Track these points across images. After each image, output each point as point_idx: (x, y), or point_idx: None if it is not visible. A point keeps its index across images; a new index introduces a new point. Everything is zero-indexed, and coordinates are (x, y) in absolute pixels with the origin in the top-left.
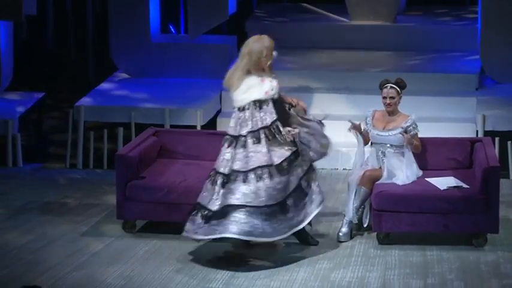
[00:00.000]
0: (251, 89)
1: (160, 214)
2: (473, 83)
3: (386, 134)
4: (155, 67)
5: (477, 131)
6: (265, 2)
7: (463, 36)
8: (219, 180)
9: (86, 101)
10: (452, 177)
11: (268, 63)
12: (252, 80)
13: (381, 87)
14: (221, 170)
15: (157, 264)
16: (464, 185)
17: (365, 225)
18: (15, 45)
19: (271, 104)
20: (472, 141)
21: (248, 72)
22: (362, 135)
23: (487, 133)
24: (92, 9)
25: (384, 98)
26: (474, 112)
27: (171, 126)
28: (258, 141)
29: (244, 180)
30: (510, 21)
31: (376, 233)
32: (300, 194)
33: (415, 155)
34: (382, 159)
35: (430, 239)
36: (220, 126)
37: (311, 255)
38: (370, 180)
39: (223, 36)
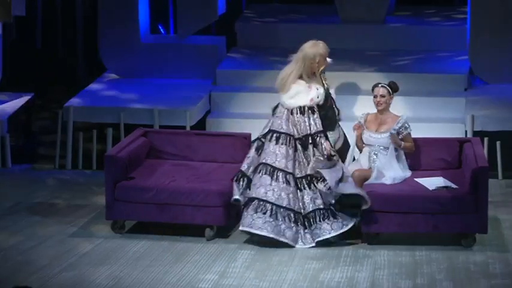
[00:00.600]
0: (298, 94)
1: (149, 215)
2: (462, 84)
3: (379, 136)
4: (144, 67)
5: (466, 131)
6: (254, 3)
7: (452, 37)
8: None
9: (75, 101)
10: (441, 178)
11: (321, 69)
12: (301, 87)
13: (373, 88)
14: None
15: (146, 264)
16: (453, 185)
17: (355, 226)
18: (4, 46)
19: (317, 113)
20: (461, 142)
21: (300, 77)
22: (359, 138)
23: (476, 133)
24: (82, 9)
25: (375, 96)
26: (463, 112)
27: (161, 126)
28: (305, 148)
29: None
30: (499, 22)
31: (365, 233)
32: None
33: (406, 154)
34: (374, 160)
35: (419, 239)
36: (210, 127)
37: (300, 256)
38: (359, 180)
39: (213, 37)
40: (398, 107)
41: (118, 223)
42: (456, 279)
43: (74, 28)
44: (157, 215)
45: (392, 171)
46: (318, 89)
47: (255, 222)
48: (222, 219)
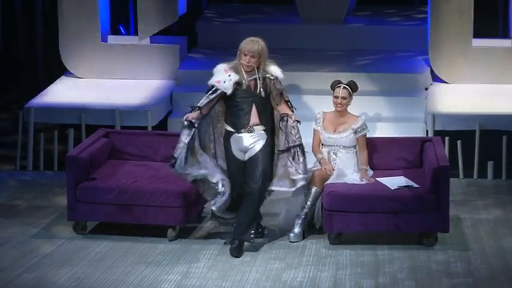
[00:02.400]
0: (214, 74)
1: (111, 215)
2: (423, 83)
3: (338, 137)
4: (105, 68)
5: (427, 130)
6: (215, 3)
7: (413, 37)
8: None
9: (35, 102)
10: (402, 177)
11: (241, 62)
12: (220, 66)
13: (333, 87)
14: None
15: (108, 265)
16: (415, 185)
17: (317, 226)
18: None
19: (213, 95)
20: (422, 141)
21: (234, 63)
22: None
23: (436, 133)
24: (42, 9)
25: (336, 97)
26: (424, 112)
27: (122, 127)
28: None
29: None
30: (459, 22)
31: (327, 233)
32: None
33: (370, 153)
34: (334, 160)
35: (381, 239)
36: (171, 127)
37: (263, 256)
38: (320, 179)
39: (174, 37)
40: (359, 106)
41: (80, 224)
42: (418, 278)
43: (33, 28)
44: (119, 216)
45: (353, 172)
46: (229, 76)
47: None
48: (184, 220)
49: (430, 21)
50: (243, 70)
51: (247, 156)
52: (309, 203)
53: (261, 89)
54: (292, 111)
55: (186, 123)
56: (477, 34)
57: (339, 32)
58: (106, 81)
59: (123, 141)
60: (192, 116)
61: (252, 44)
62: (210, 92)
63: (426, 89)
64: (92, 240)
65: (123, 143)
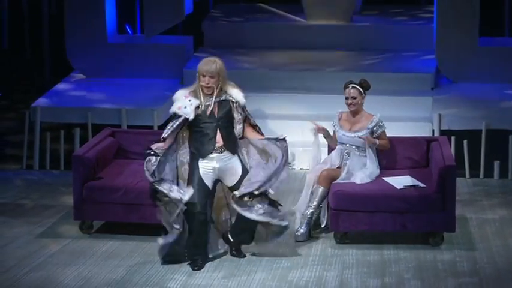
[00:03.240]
0: (175, 101)
1: (117, 215)
2: (429, 83)
3: (352, 135)
4: (111, 67)
5: (433, 130)
6: (221, 2)
7: (419, 36)
8: None
9: (42, 101)
10: (409, 177)
11: (201, 84)
12: (180, 94)
13: (344, 88)
14: None
15: (115, 265)
16: (421, 184)
17: (322, 225)
18: None
19: (177, 123)
20: (429, 140)
21: (194, 88)
22: (330, 137)
23: (443, 132)
24: (48, 9)
25: (346, 98)
26: (430, 111)
27: (128, 126)
28: None
29: None
30: (465, 21)
31: (333, 232)
32: None
33: (378, 152)
34: (345, 159)
35: (387, 238)
36: None
37: (269, 255)
38: (328, 179)
39: (180, 37)
40: (365, 106)
41: (86, 223)
42: (424, 278)
43: (40, 28)
44: (125, 215)
45: (362, 172)
46: (190, 101)
47: None
48: None
49: (437, 20)
50: (201, 93)
51: (220, 172)
52: (315, 202)
53: (224, 113)
54: (262, 134)
55: (150, 151)
56: (483, 33)
57: (345, 31)
58: (112, 80)
59: (129, 140)
60: (158, 145)
61: (210, 63)
62: (174, 120)
63: (432, 88)
64: (98, 240)
65: (129, 143)
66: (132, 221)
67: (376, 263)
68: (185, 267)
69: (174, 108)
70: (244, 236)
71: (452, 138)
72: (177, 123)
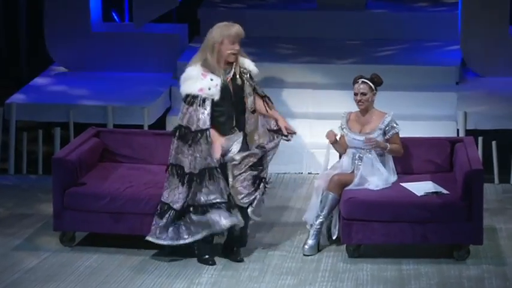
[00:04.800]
0: (188, 80)
1: (102, 225)
2: (454, 77)
3: (363, 138)
4: (96, 59)
5: (458, 129)
6: None
7: (442, 24)
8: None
9: (18, 97)
10: (430, 182)
11: (226, 52)
12: (193, 71)
13: (353, 83)
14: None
15: (100, 281)
16: (444, 191)
17: (334, 237)
18: None
19: (208, 107)
20: (453, 142)
21: (204, 61)
22: (338, 144)
23: (468, 132)
24: None
25: (355, 94)
26: (455, 109)
27: (115, 126)
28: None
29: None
30: (494, 8)
31: (345, 245)
32: None
33: (393, 157)
34: (358, 164)
35: (406, 252)
36: (170, 126)
37: (273, 270)
38: (339, 185)
39: (173, 25)
40: (381, 103)
41: (67, 235)
42: None
43: (16, 15)
44: (111, 226)
45: (377, 177)
46: (212, 80)
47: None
48: None
49: (462, 6)
50: (219, 66)
51: (226, 160)
52: (324, 211)
53: (239, 87)
54: (270, 107)
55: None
56: None
57: (359, 19)
58: (97, 74)
59: (116, 141)
60: (220, 142)
61: (237, 26)
62: (198, 104)
63: (457, 83)
64: (81, 253)
65: (116, 144)
66: (119, 232)
67: (394, 280)
68: (180, 283)
69: (193, 90)
70: (239, 243)
71: (479, 138)
72: (208, 108)
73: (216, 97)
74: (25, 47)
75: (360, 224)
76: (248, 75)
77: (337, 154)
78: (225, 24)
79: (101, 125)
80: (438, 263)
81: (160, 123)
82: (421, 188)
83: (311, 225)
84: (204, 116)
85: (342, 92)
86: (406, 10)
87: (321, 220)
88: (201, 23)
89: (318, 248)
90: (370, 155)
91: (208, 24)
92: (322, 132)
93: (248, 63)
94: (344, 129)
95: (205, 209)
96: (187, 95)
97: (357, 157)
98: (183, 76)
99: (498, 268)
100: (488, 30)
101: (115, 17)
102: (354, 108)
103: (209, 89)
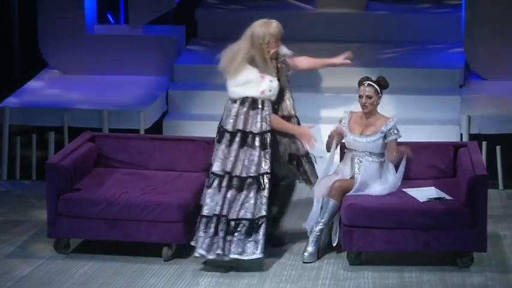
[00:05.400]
0: (248, 84)
1: (98, 232)
2: (457, 80)
3: (364, 140)
4: (91, 62)
5: (461, 134)
6: None
7: (445, 26)
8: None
9: (11, 101)
10: (433, 188)
11: (271, 52)
12: (251, 75)
13: (359, 84)
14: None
15: None
16: (447, 197)
17: (334, 244)
18: None
19: (267, 108)
20: (456, 146)
21: (251, 61)
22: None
23: (472, 137)
24: None
25: (360, 96)
26: (458, 113)
27: (110, 130)
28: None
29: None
30: (498, 9)
31: (346, 252)
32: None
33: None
34: (358, 168)
35: (408, 259)
36: (167, 130)
37: (272, 278)
38: (340, 191)
39: (170, 27)
40: (383, 106)
41: (62, 241)
42: None
43: (9, 17)
44: (107, 232)
45: (378, 182)
46: (271, 81)
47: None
48: (181, 237)
49: (465, 8)
50: (268, 64)
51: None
52: (325, 218)
53: (283, 72)
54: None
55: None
56: None
57: (360, 20)
58: (92, 77)
59: (112, 146)
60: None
61: (278, 24)
62: (262, 108)
63: (461, 86)
64: (75, 261)
65: (112, 149)
66: (115, 239)
67: (396, 287)
68: None
69: (254, 93)
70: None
71: (484, 143)
72: (270, 107)
73: (274, 98)
74: (18, 49)
75: (361, 231)
76: (282, 58)
77: (337, 160)
78: (264, 22)
79: (96, 129)
80: (441, 271)
81: (156, 127)
82: (423, 194)
83: (311, 232)
84: (270, 116)
85: (342, 95)
86: (408, 11)
87: (320, 227)
88: (198, 24)
89: (318, 255)
90: (370, 158)
91: (206, 26)
92: (323, 136)
93: (281, 48)
94: (344, 128)
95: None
96: (248, 98)
97: (356, 161)
98: (240, 79)
99: (502, 276)
100: (493, 32)
101: (110, 19)
102: (358, 109)
103: (270, 90)
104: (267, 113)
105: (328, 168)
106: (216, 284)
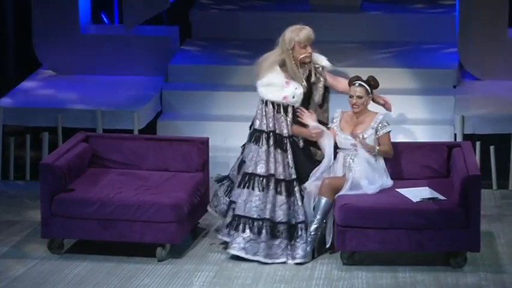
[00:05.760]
0: (271, 86)
1: (92, 232)
2: (451, 80)
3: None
4: (85, 62)
5: (455, 134)
6: None
7: (439, 26)
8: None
9: (4, 101)
10: (427, 188)
11: (299, 57)
12: (276, 79)
13: (349, 84)
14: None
15: None
16: (441, 197)
17: (328, 244)
18: None
19: (290, 114)
20: (450, 146)
21: (282, 64)
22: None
23: (466, 137)
24: None
25: (351, 96)
26: (452, 113)
27: (104, 130)
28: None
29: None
30: (492, 9)
31: (340, 252)
32: None
33: (386, 161)
34: (350, 167)
35: (401, 259)
36: (161, 130)
37: (266, 278)
38: (331, 189)
39: (164, 27)
40: (377, 107)
41: (56, 242)
42: None
43: (3, 17)
44: (101, 233)
45: (369, 180)
46: (296, 89)
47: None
48: (175, 237)
49: (459, 8)
50: (297, 70)
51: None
52: (318, 216)
53: (316, 82)
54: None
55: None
56: None
57: (353, 20)
58: (86, 77)
59: (106, 146)
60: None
61: (308, 30)
62: (285, 114)
63: (454, 86)
64: (69, 261)
65: (106, 149)
66: (109, 239)
67: (390, 287)
68: None
69: (277, 98)
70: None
71: (477, 143)
72: (291, 114)
73: (298, 104)
74: (12, 49)
75: (355, 231)
76: (321, 69)
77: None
78: (295, 28)
79: (90, 129)
80: (435, 271)
81: (150, 127)
82: (417, 194)
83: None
84: (290, 122)
85: (336, 96)
86: (401, 12)
87: (315, 225)
88: (192, 25)
89: (314, 254)
90: (361, 156)
91: (200, 26)
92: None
93: (321, 59)
94: (335, 127)
95: None
96: (271, 102)
97: (348, 160)
98: (264, 80)
99: (496, 276)
100: (487, 32)
101: (104, 19)
102: (349, 109)
103: (293, 97)
104: (289, 119)
105: (319, 168)
106: (210, 284)
